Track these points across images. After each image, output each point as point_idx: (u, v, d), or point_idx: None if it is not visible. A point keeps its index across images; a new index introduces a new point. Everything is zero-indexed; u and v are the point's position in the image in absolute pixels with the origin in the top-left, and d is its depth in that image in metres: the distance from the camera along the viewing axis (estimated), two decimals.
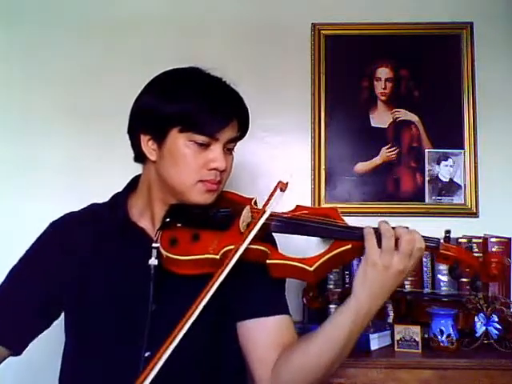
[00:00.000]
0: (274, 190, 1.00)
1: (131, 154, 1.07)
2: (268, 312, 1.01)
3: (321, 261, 0.91)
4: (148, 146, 1.00)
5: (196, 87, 0.99)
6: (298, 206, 1.06)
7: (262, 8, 1.86)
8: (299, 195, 1.79)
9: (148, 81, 1.06)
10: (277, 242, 1.08)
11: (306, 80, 1.83)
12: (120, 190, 1.10)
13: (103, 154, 1.79)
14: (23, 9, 1.85)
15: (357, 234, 0.92)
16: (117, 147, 1.76)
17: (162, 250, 0.95)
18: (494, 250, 1.57)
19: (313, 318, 1.51)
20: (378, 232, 0.90)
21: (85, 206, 1.13)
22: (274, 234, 1.05)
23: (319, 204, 1.79)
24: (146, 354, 0.91)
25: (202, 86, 1.00)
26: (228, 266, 0.86)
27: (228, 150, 1.03)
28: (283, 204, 1.03)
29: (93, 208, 1.11)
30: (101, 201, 1.12)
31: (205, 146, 0.97)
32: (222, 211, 1.01)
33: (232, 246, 0.91)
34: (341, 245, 0.93)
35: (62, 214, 1.12)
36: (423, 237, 0.91)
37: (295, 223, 0.99)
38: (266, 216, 0.95)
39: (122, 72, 1.79)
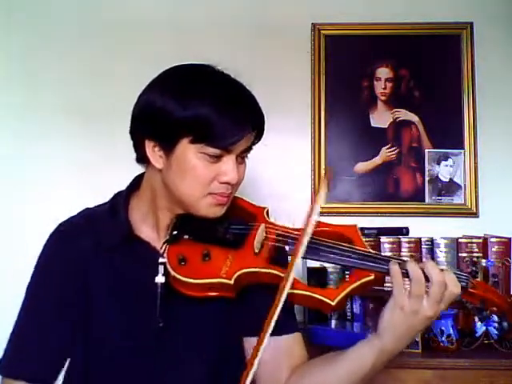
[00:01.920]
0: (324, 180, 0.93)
1: (133, 153, 1.00)
2: (279, 331, 0.93)
3: (343, 294, 0.85)
4: (154, 152, 0.91)
5: (211, 91, 0.89)
6: (318, 221, 0.97)
7: (262, 8, 1.86)
8: (299, 195, 1.80)
9: (152, 78, 0.96)
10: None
11: (306, 80, 1.83)
12: (122, 188, 1.05)
13: (103, 153, 1.79)
14: (23, 9, 1.85)
15: (381, 268, 0.86)
16: (117, 147, 1.76)
17: (170, 269, 0.89)
18: (494, 249, 1.57)
19: (313, 318, 1.51)
20: (404, 270, 0.83)
21: (85, 205, 1.10)
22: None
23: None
24: None
25: (217, 90, 0.89)
26: (284, 293, 0.81)
27: (241, 159, 0.95)
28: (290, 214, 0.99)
29: (89, 215, 1.02)
30: (101, 201, 1.10)
31: (217, 158, 0.89)
32: (234, 228, 0.94)
33: (246, 270, 0.86)
34: (363, 275, 0.87)
35: (61, 215, 1.10)
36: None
37: (315, 248, 0.90)
38: (306, 240, 0.86)
39: (122, 72, 1.79)
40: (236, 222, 0.96)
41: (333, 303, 0.84)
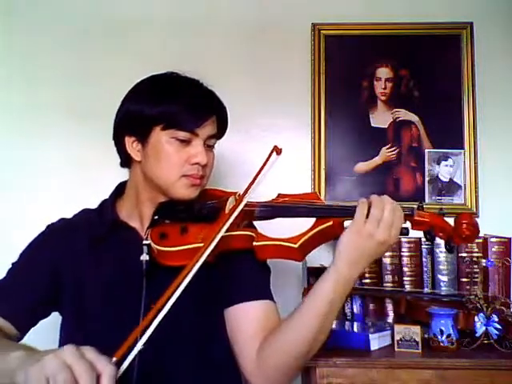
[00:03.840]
0: (270, 153, 1.07)
1: None
2: (252, 297, 1.04)
3: (304, 238, 0.96)
4: (133, 147, 1.06)
5: (176, 89, 1.05)
6: (279, 194, 1.12)
7: (262, 8, 1.86)
8: None
9: None
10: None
11: (306, 80, 1.83)
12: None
13: (103, 152, 1.77)
14: (23, 9, 1.85)
15: (338, 213, 0.99)
16: None
17: (153, 245, 0.98)
18: (494, 249, 1.57)
19: None
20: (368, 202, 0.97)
21: (85, 204, 1.14)
22: (259, 222, 1.09)
23: None
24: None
25: (181, 87, 1.06)
26: (210, 245, 0.88)
27: (209, 147, 1.09)
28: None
29: (85, 214, 1.14)
30: (101, 199, 1.12)
31: (186, 143, 1.03)
32: (207, 204, 1.06)
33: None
34: (322, 222, 0.98)
35: (61, 216, 1.12)
36: None
37: (278, 207, 1.05)
38: (245, 200, 0.98)
39: (121, 72, 1.78)
40: (209, 202, 1.07)
41: (296, 245, 0.95)
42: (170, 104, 1.03)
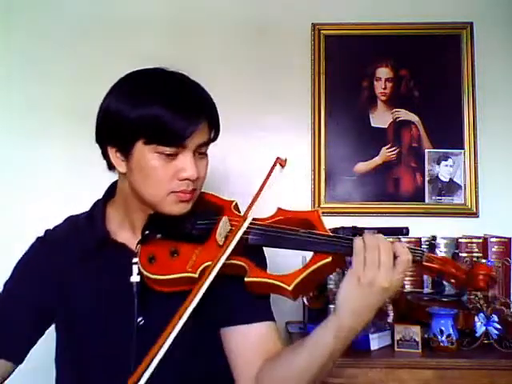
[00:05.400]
0: (273, 166, 0.97)
1: None
2: (250, 319, 0.98)
3: (299, 278, 0.87)
4: (116, 157, 0.95)
5: (159, 91, 0.91)
6: (279, 209, 1.01)
7: (262, 8, 1.86)
8: (299, 195, 1.80)
9: None
10: (265, 254, 1.04)
11: (306, 80, 1.83)
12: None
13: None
14: (23, 9, 1.85)
15: (339, 248, 0.88)
16: None
17: (141, 269, 0.92)
18: (494, 249, 1.57)
19: (313, 318, 1.51)
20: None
21: (85, 207, 1.12)
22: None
23: (319, 204, 1.79)
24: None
25: (165, 89, 0.92)
26: (204, 284, 0.84)
27: (200, 155, 0.96)
28: (268, 208, 0.99)
29: (72, 222, 1.07)
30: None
31: (173, 156, 0.91)
32: (200, 223, 0.96)
33: (209, 263, 0.88)
34: (321, 258, 0.88)
35: (61, 216, 1.11)
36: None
37: (273, 236, 0.94)
38: (242, 230, 0.90)
39: (121, 72, 1.77)
40: (202, 217, 0.97)
41: (289, 288, 0.86)
42: (149, 109, 0.88)
